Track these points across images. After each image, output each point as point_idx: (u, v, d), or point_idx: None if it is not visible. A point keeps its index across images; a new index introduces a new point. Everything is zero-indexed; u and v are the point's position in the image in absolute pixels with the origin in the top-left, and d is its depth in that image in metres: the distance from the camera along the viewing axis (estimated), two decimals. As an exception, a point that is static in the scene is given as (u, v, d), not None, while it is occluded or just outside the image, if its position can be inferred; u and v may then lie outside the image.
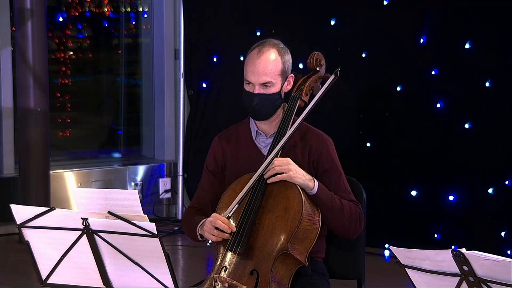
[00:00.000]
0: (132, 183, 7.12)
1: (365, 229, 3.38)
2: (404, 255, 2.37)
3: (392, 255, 2.31)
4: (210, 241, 3.21)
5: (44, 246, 2.80)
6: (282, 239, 3.10)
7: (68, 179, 6.84)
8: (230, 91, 6.52)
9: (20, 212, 2.77)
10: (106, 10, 7.92)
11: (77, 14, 7.81)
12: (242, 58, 6.15)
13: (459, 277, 2.26)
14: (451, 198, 5.73)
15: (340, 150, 3.39)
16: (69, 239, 2.75)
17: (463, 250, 2.21)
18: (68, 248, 2.77)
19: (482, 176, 5.59)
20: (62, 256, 2.79)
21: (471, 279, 2.24)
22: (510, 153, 5.52)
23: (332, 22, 6.19)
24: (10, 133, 6.75)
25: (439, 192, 5.77)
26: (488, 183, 5.56)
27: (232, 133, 3.43)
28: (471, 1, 5.61)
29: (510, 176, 5.47)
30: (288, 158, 3.18)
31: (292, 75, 3.34)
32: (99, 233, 2.71)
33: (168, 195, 7.23)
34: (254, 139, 3.36)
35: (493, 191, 5.55)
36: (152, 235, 2.64)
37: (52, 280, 2.83)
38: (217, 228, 3.11)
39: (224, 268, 3.12)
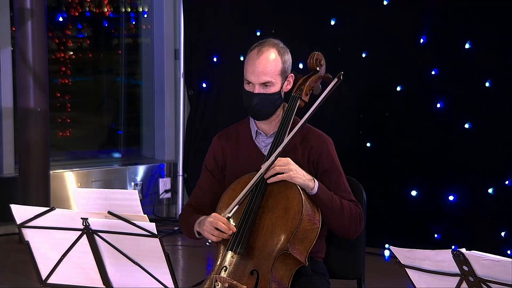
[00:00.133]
0: (132, 183, 7.12)
1: (365, 229, 3.38)
2: (404, 255, 2.37)
3: (392, 255, 2.31)
4: (209, 241, 3.21)
5: (44, 246, 2.80)
6: (282, 239, 3.10)
7: (68, 179, 6.84)
8: (230, 91, 6.52)
9: (20, 212, 2.77)
10: (106, 10, 7.92)
11: (77, 14, 7.81)
12: (242, 58, 6.15)
13: (459, 277, 2.27)
14: (451, 198, 5.73)
15: (340, 150, 3.39)
16: (69, 239, 2.75)
17: (463, 250, 2.21)
18: (68, 248, 2.77)
19: (482, 176, 5.59)
20: (62, 256, 2.79)
21: (471, 279, 2.24)
22: (510, 153, 5.52)
23: (332, 22, 6.19)
24: (10, 133, 6.75)
25: (439, 192, 5.77)
26: (488, 183, 5.56)
27: (232, 132, 3.43)
28: (471, 1, 5.61)
29: (510, 176, 5.47)
30: (288, 158, 3.18)
31: (292, 74, 3.34)
32: (99, 233, 2.71)
33: (168, 195, 7.23)
34: (254, 139, 3.36)
35: (493, 191, 5.55)
36: (152, 235, 2.64)
37: (52, 280, 2.83)
38: (217, 229, 3.11)
39: (224, 268, 3.12)
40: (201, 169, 3.45)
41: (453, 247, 2.30)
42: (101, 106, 8.03)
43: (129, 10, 7.83)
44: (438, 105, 5.75)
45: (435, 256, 2.30)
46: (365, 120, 6.15)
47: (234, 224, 3.14)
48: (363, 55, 6.07)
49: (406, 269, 2.39)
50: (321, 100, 3.19)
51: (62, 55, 7.79)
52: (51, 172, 6.34)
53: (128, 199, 2.70)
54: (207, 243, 3.20)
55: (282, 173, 3.15)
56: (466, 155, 5.67)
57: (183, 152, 7.13)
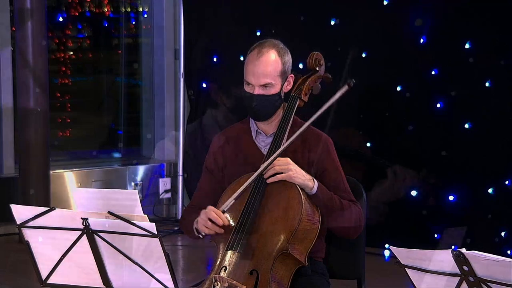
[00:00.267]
0: (132, 183, 7.12)
1: (365, 229, 3.38)
2: (404, 255, 2.37)
3: (392, 255, 2.32)
4: (203, 233, 3.20)
5: (44, 246, 2.80)
6: (281, 239, 3.10)
7: (68, 179, 6.84)
8: (230, 91, 6.53)
9: (20, 212, 2.77)
10: (106, 10, 7.92)
11: (77, 14, 7.81)
12: (242, 58, 6.15)
13: (459, 277, 2.27)
14: (451, 198, 5.73)
15: (340, 150, 3.39)
16: (69, 239, 2.75)
17: (463, 250, 2.21)
18: (68, 248, 2.76)
19: (482, 176, 5.60)
20: (62, 256, 2.79)
21: (471, 279, 2.24)
22: (510, 153, 5.53)
23: (332, 22, 6.19)
24: (10, 133, 6.75)
25: (439, 192, 5.78)
26: (488, 183, 5.56)
27: (232, 132, 3.43)
28: (471, 1, 5.61)
29: (510, 176, 5.47)
30: (288, 158, 3.19)
31: (292, 75, 3.34)
32: (99, 233, 2.71)
33: (168, 195, 7.23)
34: (254, 139, 3.36)
35: (493, 191, 5.55)
36: (152, 235, 2.64)
37: (52, 280, 2.83)
38: (210, 220, 3.11)
39: (224, 268, 3.12)
40: (202, 169, 3.45)
41: (453, 247, 2.30)
42: (101, 106, 8.03)
43: (129, 10, 7.84)
44: (438, 105, 5.75)
45: (435, 256, 2.30)
46: (365, 120, 6.15)
47: (230, 220, 3.14)
48: (363, 55, 6.07)
49: (406, 269, 2.39)
50: (328, 106, 3.19)
51: (62, 55, 7.79)
52: (51, 172, 6.34)
53: (128, 199, 2.70)
54: (201, 236, 3.19)
55: (282, 173, 3.15)
56: (466, 155, 5.67)
57: (183, 152, 7.13)
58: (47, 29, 6.25)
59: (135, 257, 2.73)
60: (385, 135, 6.06)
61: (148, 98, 7.57)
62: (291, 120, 3.27)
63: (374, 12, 5.99)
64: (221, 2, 6.82)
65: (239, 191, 3.13)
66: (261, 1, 6.62)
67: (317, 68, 3.37)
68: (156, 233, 2.64)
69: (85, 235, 2.72)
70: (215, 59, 6.88)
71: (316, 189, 3.17)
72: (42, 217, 2.73)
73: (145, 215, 2.67)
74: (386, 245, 5.88)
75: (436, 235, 5.84)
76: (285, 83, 3.31)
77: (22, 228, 2.77)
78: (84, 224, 2.70)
